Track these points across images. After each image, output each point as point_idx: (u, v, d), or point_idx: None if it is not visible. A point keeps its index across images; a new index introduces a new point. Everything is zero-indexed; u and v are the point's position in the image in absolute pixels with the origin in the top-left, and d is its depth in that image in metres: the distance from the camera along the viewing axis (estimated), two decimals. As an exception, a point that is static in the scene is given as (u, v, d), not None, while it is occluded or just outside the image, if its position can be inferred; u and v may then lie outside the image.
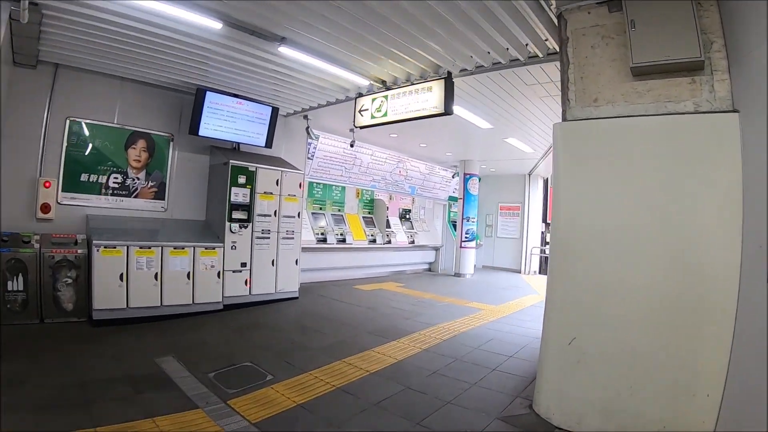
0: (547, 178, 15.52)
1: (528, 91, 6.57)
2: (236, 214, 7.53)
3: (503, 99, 6.98)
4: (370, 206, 12.58)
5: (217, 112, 7.65)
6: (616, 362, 3.51)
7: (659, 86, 3.62)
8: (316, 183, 11.18)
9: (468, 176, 13.11)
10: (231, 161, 7.48)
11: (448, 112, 5.78)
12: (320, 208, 11.31)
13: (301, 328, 6.31)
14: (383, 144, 11.49)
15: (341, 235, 11.00)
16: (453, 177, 14.62)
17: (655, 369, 3.35)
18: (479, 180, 14.30)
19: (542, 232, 15.46)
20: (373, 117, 6.70)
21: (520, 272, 14.81)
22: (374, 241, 11.79)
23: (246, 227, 7.62)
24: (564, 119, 4.03)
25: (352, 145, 10.23)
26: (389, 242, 12.15)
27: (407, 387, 4.23)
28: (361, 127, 6.98)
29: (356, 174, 11.94)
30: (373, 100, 6.69)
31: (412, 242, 12.98)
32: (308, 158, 10.53)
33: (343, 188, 11.85)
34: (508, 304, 8.71)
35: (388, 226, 12.55)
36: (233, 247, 7.47)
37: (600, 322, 3.63)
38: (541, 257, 15.20)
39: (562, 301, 3.86)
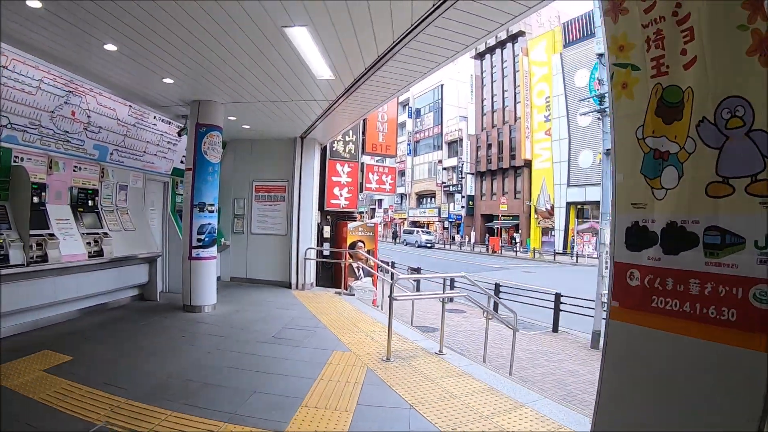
0: (326, 146, 11.23)
1: None
2: None
3: None
4: (2, 182, 6.23)
5: None
6: None
7: None
8: None
9: (204, 129, 7.73)
10: None
11: None
12: None
13: None
14: (27, 42, 5.37)
15: None
16: (180, 135, 8.91)
17: None
18: (223, 143, 9.19)
19: (319, 225, 11.13)
20: None
21: (290, 287, 10.19)
22: (4, 259, 5.61)
23: None
24: None
25: None
26: (44, 258, 6.07)
27: None
28: None
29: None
30: None
31: (99, 253, 7.06)
32: None
33: None
34: (310, 414, 3.96)
35: (44, 224, 6.42)
36: None
37: None
38: (319, 263, 10.86)
39: None
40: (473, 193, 46.87)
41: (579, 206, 35.06)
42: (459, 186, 47.93)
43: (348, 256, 10.31)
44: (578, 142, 33.77)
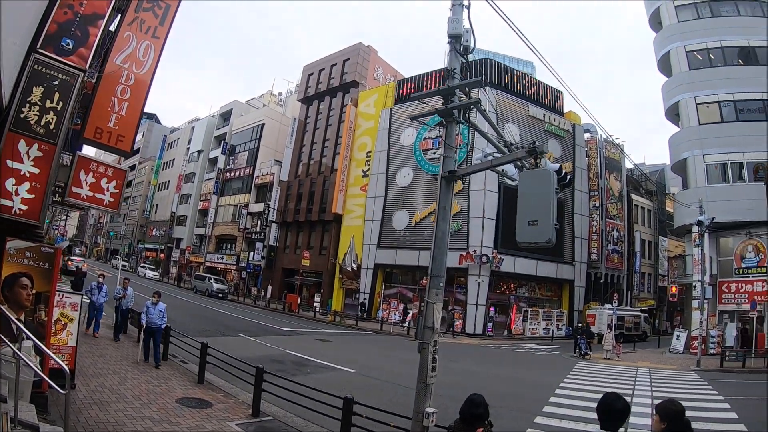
0: (5, 107, 6.55)
1: None
2: None
3: None
4: None
5: None
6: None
7: None
8: None
9: None
10: None
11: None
12: None
13: None
14: None
15: None
16: None
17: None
18: None
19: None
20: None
21: None
22: None
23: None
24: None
25: None
26: None
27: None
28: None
29: None
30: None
31: None
32: None
33: None
34: None
35: None
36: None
37: None
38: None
39: None
40: (276, 244, 43.03)
41: (388, 269, 33.23)
42: (262, 234, 43.78)
43: (3, 300, 5.71)
44: (395, 202, 32.41)
